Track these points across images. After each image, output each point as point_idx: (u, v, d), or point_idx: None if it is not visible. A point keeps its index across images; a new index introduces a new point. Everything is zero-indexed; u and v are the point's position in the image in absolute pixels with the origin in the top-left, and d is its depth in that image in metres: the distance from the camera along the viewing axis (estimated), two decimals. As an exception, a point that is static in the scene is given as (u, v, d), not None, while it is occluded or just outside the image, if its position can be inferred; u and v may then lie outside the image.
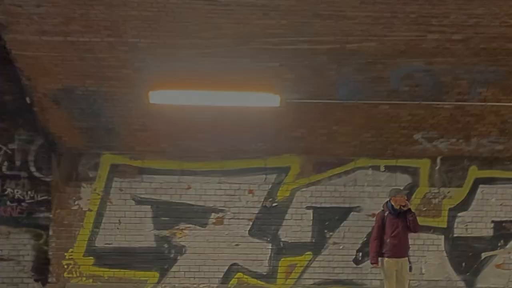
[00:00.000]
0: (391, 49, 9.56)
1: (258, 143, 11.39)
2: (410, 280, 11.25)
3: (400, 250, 10.19)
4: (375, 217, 10.62)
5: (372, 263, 10.37)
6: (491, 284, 11.64)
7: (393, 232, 10.10)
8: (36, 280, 11.56)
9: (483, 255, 11.71)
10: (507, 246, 11.75)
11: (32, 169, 11.69)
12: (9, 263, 11.58)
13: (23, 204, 11.66)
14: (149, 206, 11.61)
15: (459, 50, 9.59)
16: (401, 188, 11.06)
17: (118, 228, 11.54)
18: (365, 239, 11.35)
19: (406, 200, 10.34)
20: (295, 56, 9.77)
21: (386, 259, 10.21)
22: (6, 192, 11.63)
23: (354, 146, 11.57)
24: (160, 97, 9.87)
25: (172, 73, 9.78)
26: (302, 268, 11.61)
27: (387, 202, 10.38)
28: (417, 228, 10.37)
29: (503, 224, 11.79)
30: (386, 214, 10.24)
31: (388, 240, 10.16)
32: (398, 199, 10.25)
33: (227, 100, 10.05)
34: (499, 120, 11.08)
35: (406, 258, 10.30)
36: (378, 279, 11.29)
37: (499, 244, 11.76)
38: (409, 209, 10.33)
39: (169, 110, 10.35)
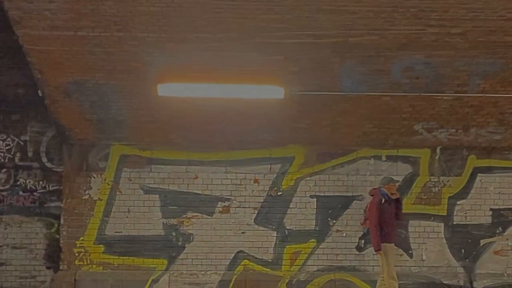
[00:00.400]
0: (392, 43, 9.64)
1: (263, 134, 11.52)
2: (411, 266, 11.68)
3: (396, 236, 10.53)
4: (370, 205, 10.69)
5: (378, 250, 10.39)
6: (489, 270, 11.77)
7: (390, 219, 10.37)
8: (48, 268, 11.74)
9: (482, 242, 11.83)
10: (505, 233, 11.89)
11: (44, 159, 11.89)
12: (22, 251, 11.77)
13: (35, 194, 11.86)
14: (158, 196, 11.72)
15: (458, 43, 9.68)
16: (392, 177, 11.10)
17: (127, 217, 11.64)
18: (367, 227, 11.30)
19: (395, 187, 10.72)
20: (299, 50, 9.83)
21: (388, 244, 10.36)
22: (18, 182, 11.84)
23: (356, 137, 11.71)
24: (168, 90, 10.01)
25: (179, 66, 9.88)
26: (306, 255, 11.72)
27: (378, 189, 10.62)
28: (402, 217, 10.72)
29: (501, 211, 11.91)
30: (382, 202, 10.43)
31: (385, 227, 10.32)
32: (391, 187, 10.51)
33: (233, 93, 10.16)
34: (497, 111, 11.22)
35: (394, 244, 10.57)
36: (380, 266, 11.15)
37: (497, 231, 11.88)
38: (398, 198, 10.63)
39: (177, 102, 10.52)
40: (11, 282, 11.76)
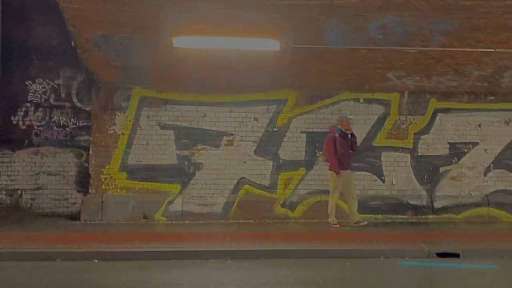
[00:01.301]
0: (370, 5, 10.08)
1: (261, 79, 11.97)
2: (383, 190, 12.50)
3: (346, 164, 11.39)
4: (326, 139, 11.45)
5: (339, 173, 11.27)
6: (447, 193, 12.55)
7: (341, 150, 11.27)
8: (78, 191, 12.65)
9: (441, 169, 12.61)
10: (460, 162, 12.68)
11: (75, 100, 12.68)
12: (56, 177, 12.67)
13: (67, 129, 12.67)
14: (172, 131, 12.26)
15: (422, 6, 10.09)
16: (347, 115, 11.88)
17: (146, 149, 12.21)
18: (325, 157, 11.74)
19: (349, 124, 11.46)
20: (293, 9, 10.23)
21: (344, 171, 11.30)
22: (53, 119, 12.62)
23: (339, 82, 12.23)
24: (182, 42, 10.42)
25: (192, 22, 10.27)
26: (297, 180, 12.39)
27: (335, 126, 11.46)
28: (355, 148, 11.49)
29: (457, 144, 12.66)
30: (336, 136, 11.30)
31: (340, 157, 11.27)
32: (345, 124, 11.36)
33: (237, 45, 10.56)
34: (454, 62, 11.74)
35: (350, 170, 11.48)
36: (358, 189, 12.17)
37: (453, 161, 12.66)
38: (352, 133, 11.41)
39: (189, 52, 10.90)
40: (47, 204, 12.66)
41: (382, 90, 12.55)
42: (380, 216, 12.31)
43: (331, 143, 11.37)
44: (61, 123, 12.73)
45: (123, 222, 11.88)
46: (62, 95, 12.71)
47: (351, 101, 12.61)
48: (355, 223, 11.45)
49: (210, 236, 10.49)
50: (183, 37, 10.43)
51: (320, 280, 8.10)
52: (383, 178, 12.64)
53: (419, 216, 12.42)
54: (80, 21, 10.62)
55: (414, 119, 12.71)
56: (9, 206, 12.66)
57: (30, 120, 12.67)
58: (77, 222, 11.79)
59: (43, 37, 12.53)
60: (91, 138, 12.31)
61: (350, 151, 11.49)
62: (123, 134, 12.29)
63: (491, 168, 12.83)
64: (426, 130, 12.70)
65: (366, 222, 11.49)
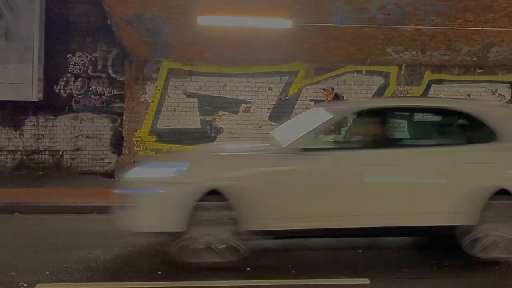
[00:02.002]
0: None
1: (275, 54, 12.36)
2: None
3: None
4: None
5: None
6: None
7: None
8: (113, 152, 13.13)
9: None
10: None
11: (110, 71, 13.08)
12: (93, 140, 13.15)
13: (103, 97, 13.10)
14: (196, 99, 12.73)
15: None
16: (331, 86, 11.96)
17: (173, 115, 12.67)
18: (351, 119, 12.33)
19: (329, 94, 11.60)
20: None
21: None
22: (90, 88, 13.06)
23: (343, 57, 12.61)
24: (205, 20, 10.83)
25: (214, 3, 10.66)
26: None
27: None
28: None
29: None
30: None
31: None
32: (325, 93, 11.77)
33: (254, 23, 10.94)
34: (446, 39, 12.21)
35: None
36: None
37: None
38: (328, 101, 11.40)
39: (212, 29, 11.27)
40: (85, 163, 13.17)
41: (382, 63, 12.85)
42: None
43: None
44: (98, 92, 13.09)
45: (153, 179, 12.48)
46: (99, 67, 13.06)
47: (355, 73, 12.98)
48: None
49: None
50: (206, 16, 10.76)
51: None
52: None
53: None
54: (114, 1, 11.13)
55: (410, 89, 13.05)
56: (52, 165, 13.07)
57: (70, 89, 13.08)
58: (112, 179, 12.00)
59: (82, 16, 12.89)
60: (124, 105, 12.75)
61: None
62: (152, 101, 12.69)
63: (479, 132, 13.27)
64: (421, 99, 12.70)
65: None
